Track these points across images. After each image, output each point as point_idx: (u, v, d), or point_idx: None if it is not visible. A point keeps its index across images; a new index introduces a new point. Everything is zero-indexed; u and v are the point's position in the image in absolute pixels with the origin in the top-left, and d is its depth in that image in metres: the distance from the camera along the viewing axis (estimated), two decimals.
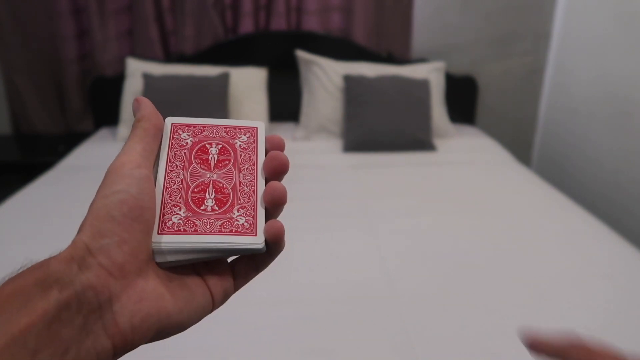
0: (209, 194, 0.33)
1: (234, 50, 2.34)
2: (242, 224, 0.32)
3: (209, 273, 0.32)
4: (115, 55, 2.38)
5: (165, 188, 0.32)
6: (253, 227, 0.32)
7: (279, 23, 2.37)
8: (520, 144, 2.67)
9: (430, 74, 2.26)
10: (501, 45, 2.51)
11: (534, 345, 0.36)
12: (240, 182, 0.34)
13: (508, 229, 1.45)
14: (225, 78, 2.12)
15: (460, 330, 1.01)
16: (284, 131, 2.29)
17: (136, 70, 2.18)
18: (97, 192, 0.29)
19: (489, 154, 2.12)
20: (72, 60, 2.36)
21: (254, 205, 0.33)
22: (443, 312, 1.07)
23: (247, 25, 2.35)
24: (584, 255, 1.30)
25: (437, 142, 2.17)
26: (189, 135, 0.35)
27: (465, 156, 2.07)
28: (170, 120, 0.36)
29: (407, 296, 1.12)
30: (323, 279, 1.18)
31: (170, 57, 2.39)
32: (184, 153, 0.34)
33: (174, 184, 0.33)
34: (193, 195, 0.32)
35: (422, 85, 2.16)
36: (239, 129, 0.36)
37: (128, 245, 0.28)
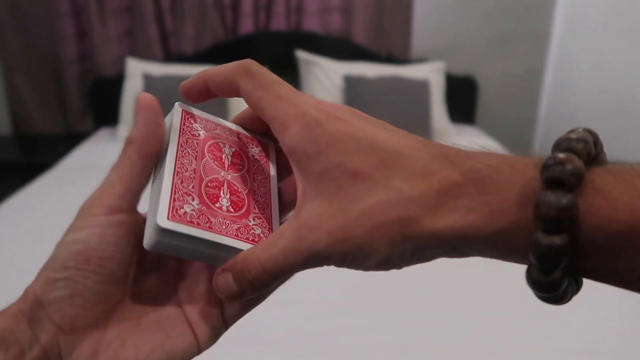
0: (224, 192, 0.29)
1: (234, 51, 2.34)
2: (259, 234, 0.28)
3: (191, 304, 0.28)
4: (115, 56, 2.38)
5: (176, 172, 0.27)
6: None
7: (279, 23, 2.37)
8: (520, 144, 2.67)
9: (430, 74, 2.26)
10: (501, 45, 2.51)
11: (194, 88, 0.30)
12: (254, 191, 0.30)
13: None
14: None
15: (460, 330, 1.01)
16: None
17: (136, 70, 2.18)
18: (63, 235, 0.27)
19: None
20: (72, 60, 2.36)
21: (268, 219, 0.29)
22: (443, 311, 1.07)
23: (247, 26, 2.35)
24: None
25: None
26: (200, 127, 0.31)
27: None
28: (180, 106, 0.32)
29: (407, 296, 1.12)
30: (323, 279, 1.18)
31: (170, 57, 2.40)
32: (197, 143, 0.30)
33: (186, 171, 0.28)
34: (207, 189, 0.28)
35: (422, 86, 2.16)
36: (251, 140, 0.33)
37: (81, 298, 0.25)
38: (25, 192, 1.66)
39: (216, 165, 0.30)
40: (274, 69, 1.93)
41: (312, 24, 2.38)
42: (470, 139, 2.27)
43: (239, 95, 0.28)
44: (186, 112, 0.32)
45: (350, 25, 2.40)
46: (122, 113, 2.18)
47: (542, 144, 2.67)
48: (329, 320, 1.04)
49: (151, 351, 0.26)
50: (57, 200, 1.59)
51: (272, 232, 0.29)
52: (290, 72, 2.35)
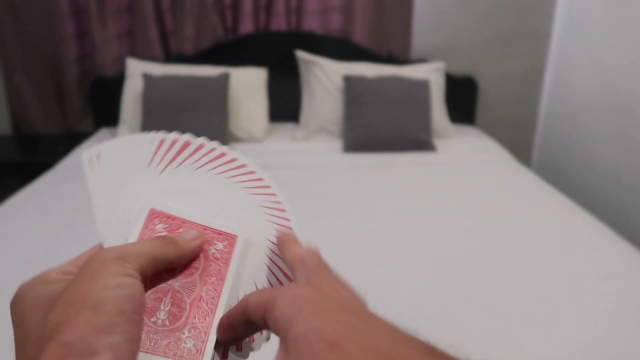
0: (164, 304, 0.29)
1: (234, 51, 2.34)
2: (189, 348, 0.28)
3: None
4: (115, 56, 2.38)
5: None
6: (199, 354, 0.28)
7: (279, 23, 2.37)
8: (520, 144, 2.67)
9: (430, 74, 2.26)
10: (501, 45, 2.51)
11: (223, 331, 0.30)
12: (201, 296, 0.30)
13: (508, 229, 1.45)
14: (225, 78, 2.12)
15: (461, 330, 1.01)
16: (284, 131, 2.29)
17: (136, 70, 2.18)
18: (89, 282, 0.25)
19: (488, 154, 2.12)
20: (72, 60, 2.36)
21: (207, 328, 0.29)
22: (443, 312, 1.07)
23: (247, 26, 2.35)
24: (584, 256, 1.30)
25: (437, 142, 2.17)
26: (164, 229, 0.31)
27: (465, 156, 2.07)
28: (149, 206, 0.32)
29: (408, 297, 1.12)
30: None
31: (170, 57, 2.40)
32: None
33: None
34: (148, 302, 0.28)
35: (422, 86, 2.16)
36: (218, 234, 0.32)
37: (135, 344, 0.24)
38: (25, 192, 1.66)
39: (167, 272, 0.30)
40: (274, 69, 1.94)
41: (312, 24, 2.38)
42: (470, 139, 2.28)
43: None
44: (153, 211, 0.32)
45: (350, 25, 2.40)
46: (122, 113, 2.18)
47: (542, 144, 2.67)
48: None
49: None
50: (57, 200, 1.59)
51: (206, 341, 0.28)
52: (290, 72, 2.35)
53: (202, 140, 0.35)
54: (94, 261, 0.26)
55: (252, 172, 0.36)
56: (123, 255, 0.26)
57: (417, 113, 2.12)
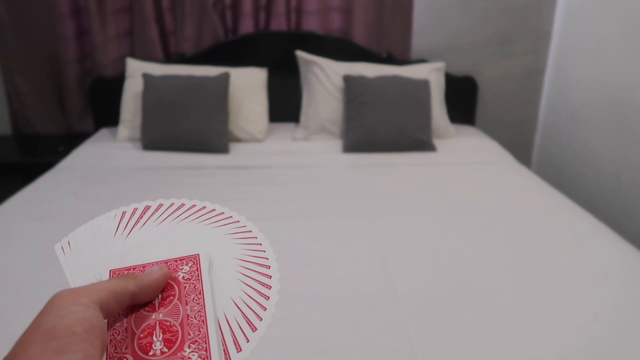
0: (156, 336, 0.31)
1: (234, 51, 2.34)
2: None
3: None
4: (115, 56, 2.38)
5: (109, 341, 0.30)
6: None
7: (279, 23, 2.37)
8: (520, 144, 2.67)
9: (430, 74, 2.26)
10: (501, 45, 2.51)
11: None
12: (187, 315, 0.32)
13: (508, 229, 1.45)
14: (225, 78, 2.12)
15: (460, 330, 1.01)
16: (284, 131, 2.29)
17: (136, 70, 2.18)
18: (42, 317, 0.26)
19: (488, 154, 2.12)
20: (72, 60, 2.36)
21: (204, 337, 0.31)
22: (443, 312, 1.07)
23: (247, 26, 2.35)
24: (584, 256, 1.30)
25: (437, 142, 2.17)
26: None
27: (465, 156, 2.07)
28: (107, 267, 0.34)
29: (407, 296, 1.12)
30: (323, 280, 1.18)
31: (170, 57, 2.40)
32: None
33: (118, 335, 0.31)
34: (139, 341, 0.30)
35: (422, 86, 2.16)
36: (180, 260, 0.35)
37: None
38: (25, 192, 1.66)
39: (146, 311, 0.32)
40: (274, 69, 1.93)
41: (312, 24, 2.38)
42: (470, 140, 2.28)
43: None
44: (113, 271, 0.34)
45: (350, 25, 2.40)
46: (122, 113, 2.18)
47: (542, 144, 2.67)
48: (327, 320, 1.04)
49: None
50: (57, 200, 1.59)
51: (209, 348, 0.30)
52: (290, 72, 2.35)
53: (159, 200, 0.40)
54: (50, 300, 0.27)
55: (212, 210, 0.40)
56: (78, 292, 0.28)
57: (417, 113, 2.12)
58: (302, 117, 2.26)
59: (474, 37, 2.49)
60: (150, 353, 0.30)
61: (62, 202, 1.57)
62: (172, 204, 0.40)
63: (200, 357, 0.30)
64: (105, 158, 1.97)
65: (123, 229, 0.38)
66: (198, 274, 0.34)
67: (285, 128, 2.33)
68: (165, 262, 0.35)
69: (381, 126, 2.08)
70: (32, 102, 2.44)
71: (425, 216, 1.51)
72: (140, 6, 2.29)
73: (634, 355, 0.94)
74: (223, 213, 0.39)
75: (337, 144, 2.16)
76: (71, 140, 2.30)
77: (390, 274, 1.20)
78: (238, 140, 2.16)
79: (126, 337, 0.31)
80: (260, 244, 0.38)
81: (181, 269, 0.34)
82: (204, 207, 0.40)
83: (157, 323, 0.31)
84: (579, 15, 2.31)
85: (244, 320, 0.33)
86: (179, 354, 0.30)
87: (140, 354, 0.30)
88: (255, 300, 0.34)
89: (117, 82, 2.27)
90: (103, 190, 1.66)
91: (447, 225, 1.45)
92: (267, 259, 0.37)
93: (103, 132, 2.30)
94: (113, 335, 0.31)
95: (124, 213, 0.39)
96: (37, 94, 2.44)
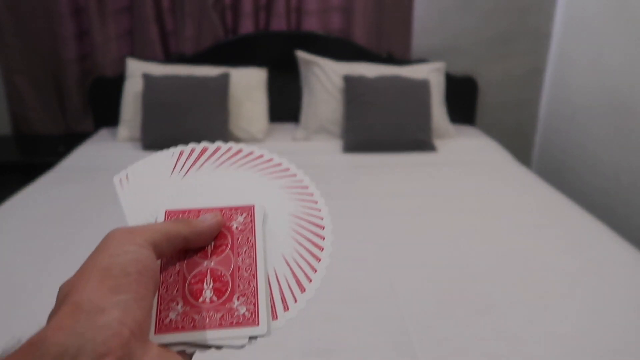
0: (207, 284, 0.31)
1: (234, 51, 2.34)
2: (243, 313, 0.30)
3: None
4: (115, 56, 2.38)
5: (161, 281, 0.31)
6: (254, 316, 0.30)
7: (279, 23, 2.37)
8: (520, 144, 2.67)
9: (430, 74, 2.26)
10: (501, 45, 2.51)
11: None
12: (239, 267, 0.32)
13: (508, 229, 1.45)
14: (225, 78, 2.12)
15: (460, 330, 1.01)
16: (284, 131, 2.29)
17: (136, 70, 2.18)
18: (98, 254, 0.27)
19: (489, 154, 2.12)
20: (72, 60, 2.36)
21: (254, 291, 0.31)
22: (443, 312, 1.07)
23: (247, 26, 2.35)
24: (584, 256, 1.30)
25: (437, 142, 2.17)
26: None
27: (465, 157, 2.07)
28: (163, 208, 0.34)
29: (407, 297, 1.12)
30: (323, 279, 1.18)
31: (170, 57, 2.40)
32: None
33: (170, 277, 0.31)
34: (191, 287, 0.31)
35: (422, 86, 2.16)
36: (235, 209, 0.35)
37: (146, 302, 0.26)
38: (25, 192, 1.66)
39: (199, 257, 0.32)
40: (274, 69, 1.94)
41: (312, 24, 2.38)
42: (470, 140, 2.28)
43: None
44: (169, 212, 0.34)
45: (350, 25, 2.40)
46: (122, 113, 2.18)
47: (542, 144, 2.67)
48: (327, 320, 1.04)
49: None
50: (57, 200, 1.59)
51: (257, 303, 0.30)
52: (290, 72, 2.35)
53: (218, 143, 0.39)
54: (106, 238, 0.28)
55: (270, 160, 0.39)
56: (133, 231, 0.28)
57: (417, 113, 2.12)
58: (302, 117, 2.26)
59: (474, 37, 2.49)
60: (200, 299, 0.30)
61: (62, 202, 1.57)
62: (230, 148, 0.39)
63: (248, 311, 0.30)
64: (105, 158, 1.97)
65: (180, 169, 0.37)
66: (252, 226, 0.34)
67: (285, 128, 2.33)
68: (220, 210, 0.34)
69: (381, 126, 2.08)
70: (32, 102, 2.44)
71: (425, 216, 1.51)
72: (140, 6, 2.29)
73: (635, 356, 0.94)
74: (280, 164, 0.38)
75: (337, 144, 2.16)
76: (71, 140, 2.30)
77: (390, 274, 1.20)
78: (238, 140, 2.16)
79: (178, 281, 0.31)
80: (316, 202, 0.37)
81: (235, 219, 0.34)
82: (262, 156, 0.39)
83: (209, 271, 0.31)
84: (578, 16, 2.31)
85: (294, 280, 0.33)
86: (227, 305, 0.30)
87: (190, 298, 0.30)
88: (306, 261, 0.34)
89: (117, 82, 2.27)
90: (103, 190, 1.66)
91: (447, 225, 1.45)
92: (322, 218, 0.36)
93: (103, 132, 2.30)
94: (165, 277, 0.31)
95: (181, 152, 0.38)
96: (37, 94, 2.44)
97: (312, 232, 0.35)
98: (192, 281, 0.31)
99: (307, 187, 0.38)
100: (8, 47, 2.35)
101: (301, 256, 0.34)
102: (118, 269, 0.25)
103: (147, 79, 2.09)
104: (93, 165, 1.90)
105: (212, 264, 0.32)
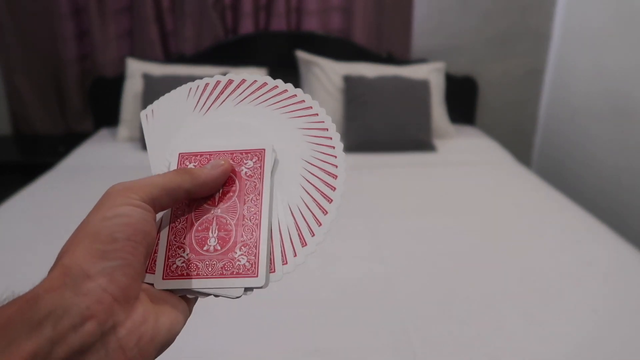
0: (212, 232, 0.31)
1: (234, 51, 2.34)
2: (244, 264, 0.30)
3: None
4: (115, 56, 2.38)
5: (171, 228, 0.31)
6: (254, 267, 0.30)
7: (279, 23, 2.37)
8: (520, 144, 2.67)
9: (430, 74, 2.26)
10: (501, 45, 2.51)
11: None
12: (243, 215, 0.32)
13: (508, 229, 1.45)
14: None
15: (459, 330, 1.01)
16: None
17: (136, 70, 2.18)
18: (92, 214, 0.28)
19: (489, 154, 2.12)
20: (72, 60, 2.36)
21: (256, 242, 0.31)
22: (443, 313, 1.07)
23: (247, 26, 2.35)
24: (584, 257, 1.30)
25: (437, 142, 2.17)
26: (195, 166, 0.34)
27: (465, 157, 2.07)
28: (177, 150, 0.34)
29: (407, 297, 1.12)
30: (323, 279, 1.18)
31: (170, 57, 2.40)
32: None
33: (179, 223, 0.31)
34: (197, 234, 0.31)
35: (422, 86, 2.16)
36: (246, 153, 0.34)
37: (132, 268, 0.26)
38: (25, 192, 1.66)
39: (208, 204, 0.32)
40: (274, 69, 1.94)
41: (312, 24, 2.38)
42: (470, 140, 2.28)
43: None
44: (182, 155, 0.34)
45: (350, 25, 2.40)
46: (122, 113, 2.18)
47: (542, 145, 2.67)
48: (327, 320, 1.04)
49: (170, 324, 0.28)
50: (57, 200, 1.59)
51: (258, 255, 0.30)
52: (290, 72, 2.35)
53: (243, 75, 0.38)
54: (104, 195, 0.29)
55: (294, 96, 0.37)
56: (130, 187, 0.29)
57: (417, 113, 2.12)
58: None
59: (474, 37, 2.49)
60: (205, 248, 0.31)
61: (62, 202, 1.57)
62: (255, 81, 0.38)
63: (248, 262, 0.30)
64: (105, 158, 1.97)
65: (202, 106, 0.37)
66: (261, 172, 0.33)
67: None
68: (231, 153, 0.34)
69: (381, 126, 2.08)
70: (32, 102, 2.44)
71: (425, 216, 1.51)
72: (140, 6, 2.29)
73: (635, 356, 0.94)
74: (304, 102, 0.37)
75: None
76: (71, 140, 2.30)
77: (390, 274, 1.20)
78: None
79: (186, 227, 0.31)
80: (333, 147, 0.35)
81: (245, 164, 0.34)
82: (286, 91, 0.37)
83: (215, 218, 0.31)
84: (578, 16, 2.31)
85: (296, 233, 0.32)
86: (229, 254, 0.30)
87: (196, 246, 0.31)
88: (312, 213, 0.32)
89: (117, 82, 2.27)
90: (103, 190, 1.65)
91: (447, 226, 1.45)
92: (336, 166, 0.35)
93: (103, 132, 2.30)
94: (175, 222, 0.31)
95: (206, 85, 0.38)
96: (37, 94, 2.44)
97: (322, 180, 0.34)
98: (199, 228, 0.31)
99: (326, 130, 0.36)
100: (8, 47, 2.35)
101: (307, 207, 0.33)
102: (106, 234, 0.26)
103: (147, 79, 2.09)
104: (93, 165, 1.90)
105: (219, 211, 0.32)
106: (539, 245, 1.36)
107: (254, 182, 0.33)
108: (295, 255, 0.31)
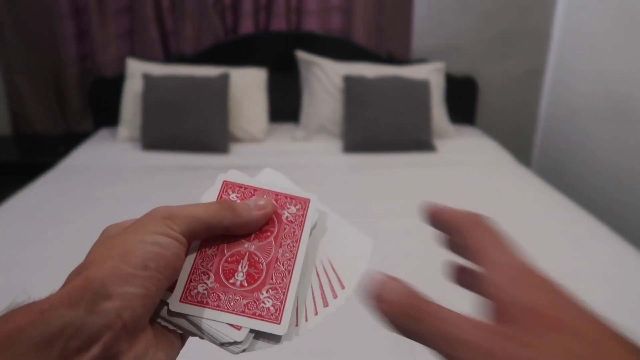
0: (242, 266, 0.30)
1: (234, 51, 2.34)
2: (268, 307, 0.29)
3: None
4: (115, 56, 2.38)
5: (199, 251, 0.30)
6: (279, 313, 0.29)
7: (279, 23, 2.37)
8: (520, 144, 2.67)
9: (430, 74, 2.26)
10: (501, 45, 2.51)
11: (434, 215, 0.32)
12: (277, 258, 0.31)
13: (508, 229, 1.44)
14: (225, 78, 2.12)
15: None
16: (284, 131, 2.29)
17: (136, 70, 2.18)
18: (131, 232, 0.27)
19: (489, 154, 2.12)
20: (72, 60, 2.36)
21: (285, 288, 0.30)
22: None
23: (247, 26, 2.35)
24: (583, 257, 1.30)
25: (437, 142, 2.17)
26: (237, 197, 0.33)
27: (465, 157, 2.07)
28: (222, 178, 0.34)
29: None
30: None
31: (170, 57, 2.40)
32: None
33: (210, 249, 0.30)
34: (225, 265, 0.30)
35: (422, 86, 2.16)
36: (291, 198, 0.33)
37: (150, 300, 0.25)
38: (25, 192, 1.66)
39: (243, 237, 0.31)
40: (274, 69, 1.93)
41: (312, 24, 2.38)
42: (470, 140, 2.28)
43: (458, 240, 0.30)
44: (226, 182, 0.34)
45: (350, 25, 2.40)
46: (122, 113, 2.18)
47: (542, 145, 2.67)
48: (326, 320, 1.04)
49: (170, 349, 0.28)
50: (57, 200, 1.59)
51: (285, 301, 0.29)
52: (290, 72, 2.35)
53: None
54: (146, 216, 0.28)
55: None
56: (171, 215, 0.28)
57: (417, 113, 2.12)
58: (302, 117, 2.26)
59: (474, 37, 2.49)
60: (231, 281, 0.29)
61: (62, 202, 1.57)
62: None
63: (273, 307, 0.29)
64: (105, 158, 1.97)
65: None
66: (302, 220, 0.32)
67: (285, 128, 2.33)
68: (276, 194, 0.33)
69: (381, 126, 2.08)
70: (32, 102, 2.44)
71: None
72: (140, 6, 2.29)
73: None
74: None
75: (337, 144, 2.16)
76: (71, 140, 2.30)
77: (390, 274, 1.20)
78: (238, 140, 2.16)
79: (215, 254, 0.30)
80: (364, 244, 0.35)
81: (288, 208, 0.33)
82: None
83: (247, 254, 0.31)
84: (578, 16, 2.31)
85: (319, 291, 0.31)
86: (255, 294, 0.29)
87: (222, 277, 0.29)
88: (337, 274, 0.32)
89: (117, 82, 2.27)
90: (103, 190, 1.66)
91: None
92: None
93: (103, 132, 2.30)
94: (205, 247, 0.30)
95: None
96: (37, 94, 2.44)
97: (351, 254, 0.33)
98: (229, 259, 0.30)
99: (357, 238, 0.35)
100: (8, 47, 2.35)
101: (332, 268, 0.32)
102: (138, 259, 0.25)
103: (147, 79, 2.09)
104: (93, 165, 1.90)
105: (253, 247, 0.31)
106: (538, 245, 1.36)
107: (294, 228, 0.32)
108: (316, 314, 0.31)
